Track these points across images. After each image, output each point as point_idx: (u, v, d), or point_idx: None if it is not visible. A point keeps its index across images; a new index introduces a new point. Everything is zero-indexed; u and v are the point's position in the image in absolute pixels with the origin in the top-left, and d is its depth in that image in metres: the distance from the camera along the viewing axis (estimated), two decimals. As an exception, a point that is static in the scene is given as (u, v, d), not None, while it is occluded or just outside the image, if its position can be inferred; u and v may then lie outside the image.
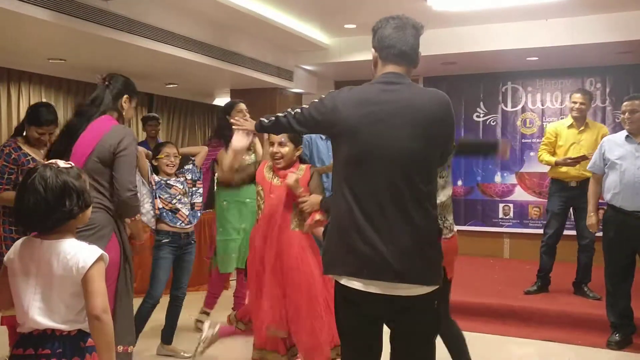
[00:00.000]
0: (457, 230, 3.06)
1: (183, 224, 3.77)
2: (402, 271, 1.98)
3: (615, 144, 4.10)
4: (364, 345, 2.15)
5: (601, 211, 4.26)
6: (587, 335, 4.28)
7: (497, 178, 7.12)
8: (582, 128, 4.93)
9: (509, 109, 7.10)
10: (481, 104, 7.21)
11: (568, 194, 4.91)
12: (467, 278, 5.21)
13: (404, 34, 2.14)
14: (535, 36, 5.84)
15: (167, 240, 3.73)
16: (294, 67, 7.01)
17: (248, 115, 3.80)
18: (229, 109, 4.29)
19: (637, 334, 4.14)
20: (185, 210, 3.80)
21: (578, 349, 4.13)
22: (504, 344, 4.28)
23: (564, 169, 4.87)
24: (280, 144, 3.14)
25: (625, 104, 4.08)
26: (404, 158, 2.02)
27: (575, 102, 4.90)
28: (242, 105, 4.29)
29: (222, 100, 9.24)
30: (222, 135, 4.09)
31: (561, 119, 6.70)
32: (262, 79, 6.50)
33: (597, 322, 4.30)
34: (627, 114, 4.03)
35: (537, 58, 6.36)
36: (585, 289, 4.89)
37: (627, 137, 4.04)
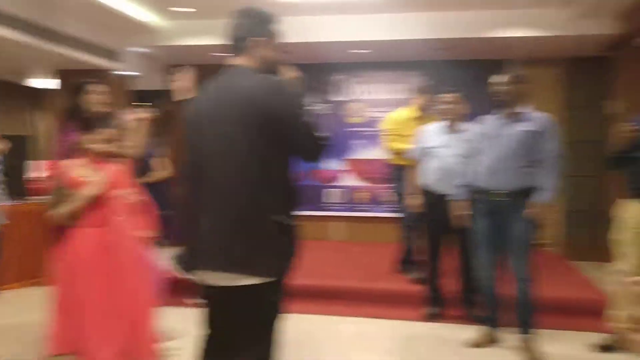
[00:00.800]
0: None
1: None
2: (223, 261, 2.06)
3: (434, 133, 4.46)
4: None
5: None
6: (402, 310, 4.63)
7: (324, 164, 7.40)
8: (422, 118, 5.13)
9: (338, 98, 7.41)
10: (313, 93, 7.42)
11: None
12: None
13: (233, 23, 2.20)
14: (363, 30, 6.13)
15: None
16: (123, 48, 6.70)
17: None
18: (79, 89, 3.95)
19: (449, 306, 4.57)
20: None
21: (397, 323, 4.45)
22: (329, 324, 4.47)
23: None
24: None
25: (443, 95, 4.42)
26: (234, 150, 2.06)
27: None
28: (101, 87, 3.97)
29: (44, 82, 8.57)
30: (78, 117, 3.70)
31: (390, 110, 7.16)
32: (88, 60, 6.13)
33: (415, 297, 4.67)
34: (445, 105, 4.38)
35: (365, 51, 6.69)
36: (408, 267, 5.27)
37: (444, 126, 4.41)
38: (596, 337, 3.95)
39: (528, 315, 3.82)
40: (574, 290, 4.92)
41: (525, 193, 3.72)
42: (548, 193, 3.73)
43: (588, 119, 6.70)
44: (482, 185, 3.83)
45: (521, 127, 3.75)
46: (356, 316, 4.61)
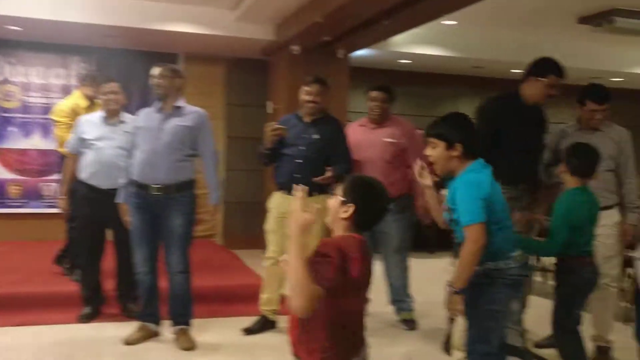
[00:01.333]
0: None
1: None
2: None
3: (93, 124, 4.21)
4: None
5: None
6: (59, 314, 4.29)
7: None
8: (92, 108, 4.81)
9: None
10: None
11: None
12: None
13: None
14: (18, 4, 5.50)
15: None
16: None
17: None
18: None
19: (105, 304, 4.40)
20: None
21: (53, 328, 4.11)
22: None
23: None
24: None
25: (106, 85, 4.20)
26: None
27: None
28: None
29: None
30: None
31: (44, 95, 6.58)
32: None
33: (68, 298, 4.37)
34: (107, 95, 4.16)
35: (19, 28, 6.02)
36: (69, 266, 4.89)
37: (103, 117, 4.20)
38: (249, 321, 4.22)
39: (184, 307, 3.90)
40: (232, 278, 5.20)
41: (180, 187, 3.78)
42: (215, 191, 3.89)
43: (248, 116, 7.17)
44: (137, 179, 3.76)
45: (176, 122, 3.78)
46: (8, 326, 4.11)
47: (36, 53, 6.67)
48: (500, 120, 3.52)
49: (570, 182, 3.07)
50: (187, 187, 3.81)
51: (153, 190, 3.72)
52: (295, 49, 6.12)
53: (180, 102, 3.85)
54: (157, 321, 3.97)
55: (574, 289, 3.09)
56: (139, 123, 3.85)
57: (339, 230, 2.05)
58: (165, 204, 3.74)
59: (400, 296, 4.46)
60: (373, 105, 4.34)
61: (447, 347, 2.81)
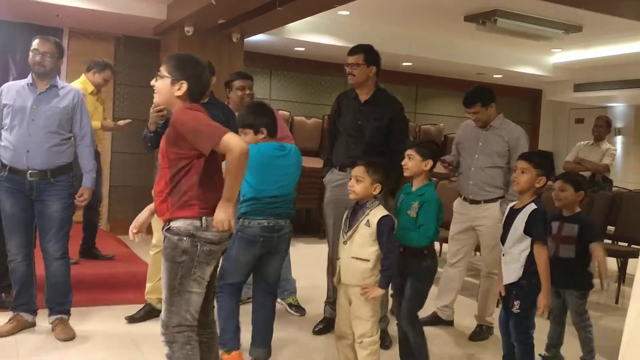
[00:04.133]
0: None
1: None
2: None
3: None
4: None
5: None
6: None
7: None
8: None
9: None
10: None
11: None
12: None
13: None
14: None
15: None
16: None
17: None
18: None
19: None
20: None
21: None
22: None
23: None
24: None
25: None
26: None
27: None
28: None
29: None
30: None
31: None
32: None
33: None
34: None
35: None
36: None
37: None
38: (132, 310, 4.10)
39: (63, 296, 3.72)
40: (117, 266, 5.03)
41: (57, 171, 3.59)
42: (89, 173, 3.71)
43: (137, 97, 6.93)
44: (10, 164, 3.52)
45: (53, 103, 3.58)
46: None
47: None
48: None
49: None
50: (64, 171, 3.63)
51: (28, 176, 3.51)
52: (188, 30, 5.98)
53: (56, 81, 3.65)
54: (32, 311, 3.76)
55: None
56: (7, 100, 3.57)
57: (178, 105, 2.46)
58: (42, 189, 3.54)
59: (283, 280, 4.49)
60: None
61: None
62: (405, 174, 3.15)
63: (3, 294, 4.02)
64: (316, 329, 3.99)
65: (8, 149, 3.52)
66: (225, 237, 2.53)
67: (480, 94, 4.01)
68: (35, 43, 3.59)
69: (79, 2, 5.76)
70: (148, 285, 4.06)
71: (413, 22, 7.07)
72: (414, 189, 3.11)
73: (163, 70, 2.51)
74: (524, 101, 10.48)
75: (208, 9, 5.23)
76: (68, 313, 3.75)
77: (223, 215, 2.38)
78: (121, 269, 4.91)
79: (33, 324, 3.77)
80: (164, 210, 2.48)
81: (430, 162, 3.08)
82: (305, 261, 4.84)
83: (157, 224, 3.98)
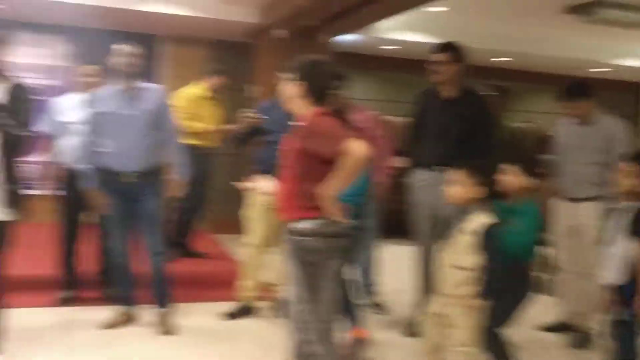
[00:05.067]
0: None
1: None
2: None
3: (70, 107, 4.14)
4: None
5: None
6: (39, 296, 4.24)
7: None
8: (214, 98, 5.15)
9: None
10: None
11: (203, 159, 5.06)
12: None
13: None
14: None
15: None
16: None
17: None
18: None
19: (85, 288, 4.34)
20: None
21: (31, 311, 4.03)
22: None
23: (205, 137, 5.04)
24: None
25: (82, 68, 4.20)
26: None
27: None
28: None
29: None
30: None
31: (30, 75, 6.42)
32: None
33: (47, 282, 4.32)
34: (83, 77, 4.14)
35: (3, 6, 5.88)
36: None
37: (82, 100, 4.08)
38: (227, 307, 4.21)
39: (164, 289, 3.88)
40: (212, 263, 5.18)
41: (153, 171, 3.76)
42: (183, 167, 3.85)
43: (231, 99, 7.09)
44: (110, 167, 3.69)
45: (142, 105, 3.72)
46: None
47: (22, 33, 6.52)
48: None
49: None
50: (158, 170, 3.80)
51: (127, 177, 3.68)
52: (280, 32, 6.07)
53: (142, 84, 3.80)
54: (133, 304, 3.94)
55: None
56: (98, 108, 3.72)
57: (301, 109, 2.52)
58: (138, 189, 3.71)
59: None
60: None
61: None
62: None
63: (107, 289, 4.24)
64: (404, 331, 3.92)
65: (105, 154, 3.68)
66: (346, 230, 2.54)
67: (583, 88, 3.83)
68: (120, 48, 3.72)
69: (175, 9, 5.99)
70: (242, 283, 4.15)
71: (511, 17, 6.83)
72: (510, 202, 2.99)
73: (287, 72, 2.58)
74: (624, 95, 9.89)
75: (299, 11, 5.29)
76: (169, 307, 3.90)
77: (333, 209, 2.43)
78: (214, 266, 5.07)
79: (135, 318, 3.95)
80: (288, 209, 2.54)
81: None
82: (394, 263, 4.79)
83: (251, 222, 4.08)
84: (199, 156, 5.02)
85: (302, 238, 2.48)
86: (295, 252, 2.51)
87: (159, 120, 3.76)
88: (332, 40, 6.46)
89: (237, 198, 6.74)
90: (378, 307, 4.42)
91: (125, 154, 3.65)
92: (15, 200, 2.90)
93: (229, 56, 7.15)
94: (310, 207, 2.46)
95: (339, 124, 2.49)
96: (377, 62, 8.15)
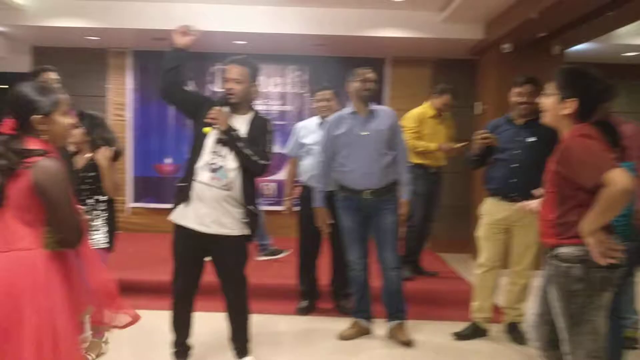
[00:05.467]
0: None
1: None
2: None
3: (309, 130, 4.48)
4: None
5: (297, 190, 4.64)
6: (278, 304, 4.61)
7: (168, 159, 7.25)
8: (440, 117, 5.22)
9: (217, 89, 7.26)
10: (192, 82, 7.25)
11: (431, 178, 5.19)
12: (143, 256, 5.47)
13: None
14: (243, 21, 6.05)
15: None
16: (-19, 26, 6.15)
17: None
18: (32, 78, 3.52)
19: (320, 300, 4.63)
20: None
21: (272, 317, 4.44)
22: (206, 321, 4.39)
23: (432, 156, 5.12)
24: None
25: (319, 93, 4.45)
26: None
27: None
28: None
29: None
30: None
31: (266, 102, 7.13)
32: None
33: (288, 291, 4.69)
34: (322, 102, 4.39)
35: (244, 42, 6.61)
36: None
37: (319, 124, 4.43)
38: (459, 327, 4.17)
39: (400, 303, 4.00)
40: (440, 282, 5.18)
41: (389, 188, 3.90)
42: (407, 188, 3.94)
43: (455, 118, 7.04)
44: (350, 186, 3.90)
45: (377, 126, 3.88)
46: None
47: (262, 64, 7.25)
48: None
49: None
50: (393, 187, 3.93)
51: (366, 195, 3.87)
52: (506, 47, 5.91)
53: (374, 105, 3.96)
54: (369, 318, 4.11)
55: None
56: (336, 131, 3.94)
57: (565, 127, 2.29)
58: (376, 205, 3.88)
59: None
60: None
61: None
62: None
63: (343, 301, 4.46)
64: None
65: (346, 173, 3.91)
66: (619, 264, 2.28)
67: None
68: (359, 72, 3.91)
69: (400, 32, 6.16)
70: (474, 304, 4.09)
71: None
72: None
73: (551, 86, 2.40)
74: None
75: (528, 23, 5.10)
76: (405, 319, 4.01)
77: (597, 250, 2.22)
78: (444, 285, 5.05)
79: (370, 331, 4.10)
80: (550, 235, 2.39)
81: None
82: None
83: (484, 243, 4.00)
84: (427, 175, 5.08)
85: (566, 265, 2.30)
86: (557, 279, 2.35)
87: (392, 140, 3.91)
88: (564, 51, 6.12)
89: (463, 217, 6.72)
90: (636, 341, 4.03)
91: (362, 173, 3.85)
92: (252, 219, 3.19)
93: (452, 74, 7.13)
94: (572, 233, 2.28)
95: (602, 146, 2.21)
96: (620, 70, 7.49)
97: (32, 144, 2.07)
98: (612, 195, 2.10)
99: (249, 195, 3.18)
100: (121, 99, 7.23)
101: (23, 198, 2.04)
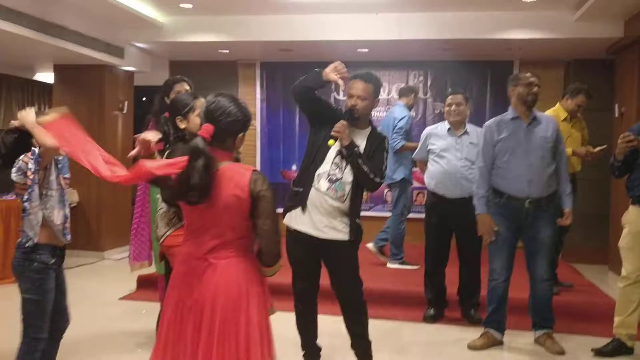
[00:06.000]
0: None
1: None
2: None
3: (438, 136, 4.39)
4: None
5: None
6: (405, 311, 4.59)
7: (294, 166, 7.36)
8: (569, 120, 4.98)
9: (340, 97, 7.35)
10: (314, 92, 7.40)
11: None
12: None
13: None
14: (366, 29, 6.10)
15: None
16: (125, 44, 6.67)
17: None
18: (167, 88, 3.86)
19: (448, 308, 4.54)
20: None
21: (399, 324, 4.42)
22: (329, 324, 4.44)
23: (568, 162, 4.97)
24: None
25: (450, 97, 4.35)
26: None
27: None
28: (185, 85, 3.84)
29: (44, 76, 8.52)
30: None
31: (388, 109, 7.12)
32: (89, 54, 6.09)
33: (415, 298, 4.64)
34: (453, 106, 4.31)
35: (367, 50, 6.66)
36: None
37: (449, 129, 4.35)
38: (600, 342, 3.91)
39: (547, 312, 3.89)
40: (575, 294, 4.89)
41: (550, 199, 3.77)
42: (569, 197, 3.80)
43: (592, 121, 6.64)
44: (510, 193, 3.79)
45: (540, 133, 3.76)
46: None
47: (379, 70, 7.26)
48: None
49: None
50: (553, 197, 3.79)
51: (527, 204, 3.75)
52: (649, 44, 5.50)
53: (535, 112, 3.83)
54: (502, 329, 3.96)
55: None
56: (497, 136, 3.84)
57: None
58: (536, 215, 3.76)
59: None
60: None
61: None
62: None
63: (472, 310, 4.34)
64: None
65: (508, 179, 3.79)
66: None
67: None
68: (527, 77, 3.82)
69: (530, 34, 5.93)
70: (617, 319, 3.81)
71: None
72: None
73: None
74: None
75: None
76: (552, 328, 3.89)
77: None
78: (581, 298, 4.77)
79: (501, 342, 3.96)
80: None
81: None
82: None
83: (627, 253, 3.74)
84: None
85: None
86: None
87: (553, 148, 3.79)
88: None
89: (600, 227, 6.30)
90: None
91: (526, 181, 3.74)
92: (357, 231, 3.17)
93: (586, 75, 6.74)
94: None
95: None
96: None
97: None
98: None
99: (356, 208, 3.17)
100: (251, 108, 7.45)
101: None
